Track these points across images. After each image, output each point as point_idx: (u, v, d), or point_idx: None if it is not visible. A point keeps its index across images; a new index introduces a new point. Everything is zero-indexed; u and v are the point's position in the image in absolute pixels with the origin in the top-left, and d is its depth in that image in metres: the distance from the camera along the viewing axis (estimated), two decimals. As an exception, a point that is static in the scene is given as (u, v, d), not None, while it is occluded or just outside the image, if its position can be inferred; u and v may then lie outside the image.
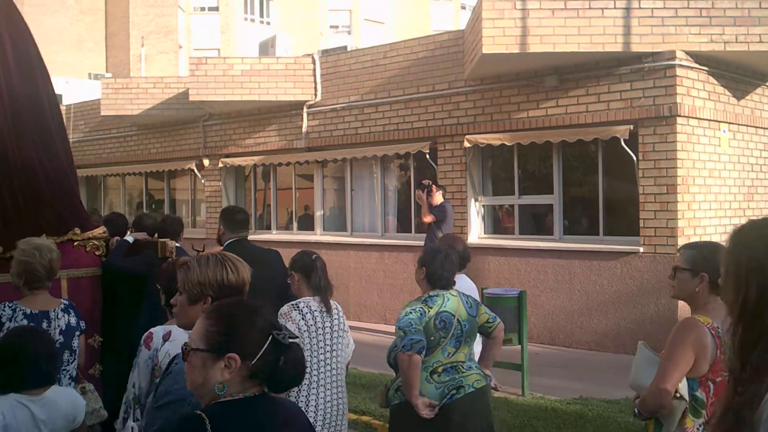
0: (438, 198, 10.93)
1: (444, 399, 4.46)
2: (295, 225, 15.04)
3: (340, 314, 4.76)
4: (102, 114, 16.57)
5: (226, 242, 5.75)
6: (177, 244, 6.25)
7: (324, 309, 4.61)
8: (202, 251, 6.37)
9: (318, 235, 14.28)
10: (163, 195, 17.89)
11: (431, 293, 4.63)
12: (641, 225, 10.14)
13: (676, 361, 3.28)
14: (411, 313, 4.50)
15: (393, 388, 4.64)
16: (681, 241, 9.82)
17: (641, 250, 10.07)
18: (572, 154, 11.27)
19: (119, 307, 5.66)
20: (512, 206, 11.89)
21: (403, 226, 13.25)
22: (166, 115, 16.09)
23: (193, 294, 3.13)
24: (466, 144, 11.65)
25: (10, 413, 3.31)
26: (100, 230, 5.79)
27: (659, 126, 9.94)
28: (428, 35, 13.30)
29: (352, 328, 5.28)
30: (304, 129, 14.10)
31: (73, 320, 4.55)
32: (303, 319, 4.50)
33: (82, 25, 35.38)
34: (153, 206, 18.25)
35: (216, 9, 35.81)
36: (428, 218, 10.82)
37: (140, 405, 3.55)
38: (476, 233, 12.03)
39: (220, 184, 15.75)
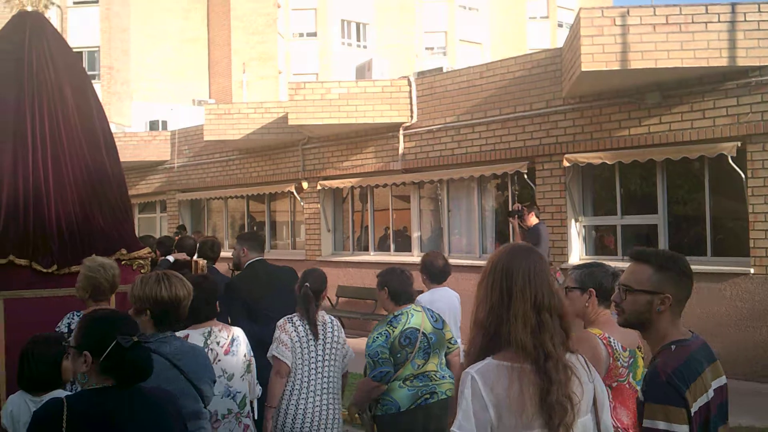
0: (532, 219, 10.84)
1: (418, 401, 4.83)
2: (392, 246, 15.07)
3: (334, 327, 5.12)
4: (205, 139, 17.03)
5: (248, 262, 6.34)
6: (212, 265, 7.31)
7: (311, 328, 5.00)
8: (234, 270, 7.39)
9: (415, 257, 14.25)
10: (264, 217, 18.25)
11: (396, 312, 4.98)
12: (751, 245, 9.72)
13: None
14: (378, 338, 4.86)
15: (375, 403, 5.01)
16: (795, 262, 9.37)
17: (752, 271, 9.65)
18: (677, 172, 10.92)
19: None
20: (613, 227, 11.59)
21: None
22: (267, 139, 16.43)
23: (136, 307, 3.78)
24: (566, 163, 11.44)
25: (15, 405, 3.86)
26: (145, 251, 6.42)
27: (769, 142, 9.54)
28: (525, 54, 13.19)
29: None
30: (400, 151, 14.15)
31: None
32: (295, 330, 4.93)
33: (186, 54, 36.61)
34: (254, 228, 18.65)
35: (314, 35, 36.48)
36: None
37: None
38: (577, 254, 11.77)
39: (319, 206, 15.95)
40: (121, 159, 19.46)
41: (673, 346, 2.74)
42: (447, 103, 13.39)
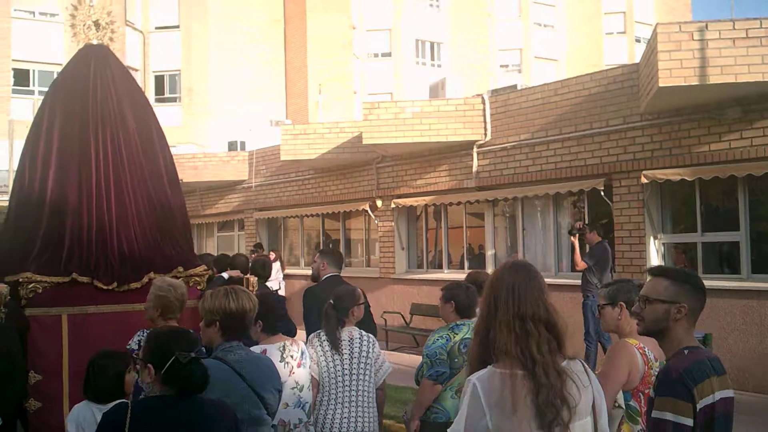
0: (595, 238, 10.87)
1: None
2: (466, 264, 15.02)
3: (363, 342, 5.25)
4: (281, 159, 17.31)
5: (325, 276, 6.68)
6: (263, 282, 7.80)
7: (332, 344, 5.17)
8: (279, 289, 7.68)
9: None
10: (339, 235, 18.42)
11: (458, 322, 5.19)
12: (840, 263, 9.37)
13: (612, 377, 3.99)
14: (438, 339, 5.09)
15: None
16: None
17: (841, 290, 9.31)
18: (759, 189, 10.62)
19: None
20: (693, 244, 11.31)
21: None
22: (342, 158, 16.61)
23: (206, 319, 4.11)
24: (644, 180, 11.24)
25: (81, 415, 4.20)
26: (201, 268, 6.71)
27: None
28: (601, 70, 13.04)
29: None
30: (474, 168, 14.13)
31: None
32: (321, 345, 5.16)
33: (264, 75, 37.30)
34: (330, 245, 18.83)
35: (389, 55, 36.76)
36: (580, 266, 10.81)
37: None
38: (655, 272, 11.50)
39: (393, 224, 16.02)
40: (201, 179, 19.89)
41: (686, 351, 3.03)
42: (521, 120, 13.32)
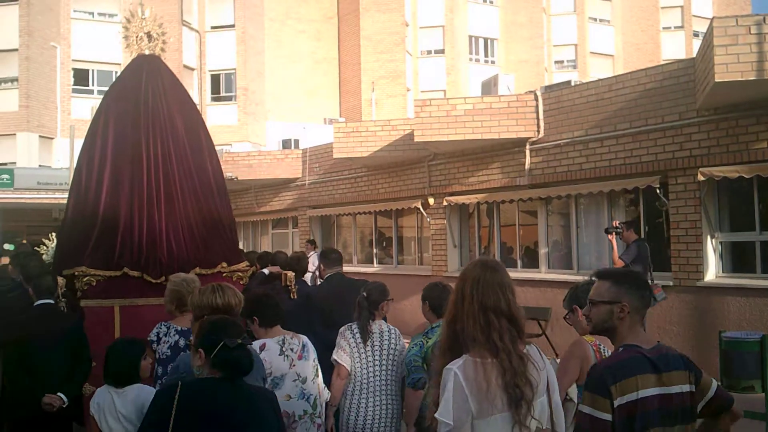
0: (631, 236, 10.80)
1: None
2: (518, 263, 14.92)
3: (392, 336, 5.64)
4: (334, 156, 17.42)
5: (326, 276, 7.20)
6: (301, 277, 8.10)
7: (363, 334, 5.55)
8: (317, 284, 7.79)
9: (543, 273, 14.08)
10: (392, 233, 18.45)
11: (433, 325, 5.27)
12: None
13: (565, 371, 4.31)
14: (413, 348, 5.26)
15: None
16: None
17: None
18: (821, 186, 10.34)
19: None
20: (750, 243, 11.06)
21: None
22: (394, 156, 16.62)
23: (195, 314, 4.49)
24: (700, 177, 11.03)
25: (101, 396, 4.62)
26: (243, 264, 7.15)
27: None
28: (656, 65, 12.80)
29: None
30: (527, 166, 14.02)
31: None
32: (353, 337, 5.53)
33: (318, 74, 37.59)
34: (383, 243, 18.91)
35: (442, 52, 36.69)
36: (618, 264, 10.86)
37: None
38: (713, 272, 11.30)
39: (445, 222, 15.99)
40: (256, 176, 20.13)
41: (621, 348, 3.23)
42: (575, 117, 13.18)
